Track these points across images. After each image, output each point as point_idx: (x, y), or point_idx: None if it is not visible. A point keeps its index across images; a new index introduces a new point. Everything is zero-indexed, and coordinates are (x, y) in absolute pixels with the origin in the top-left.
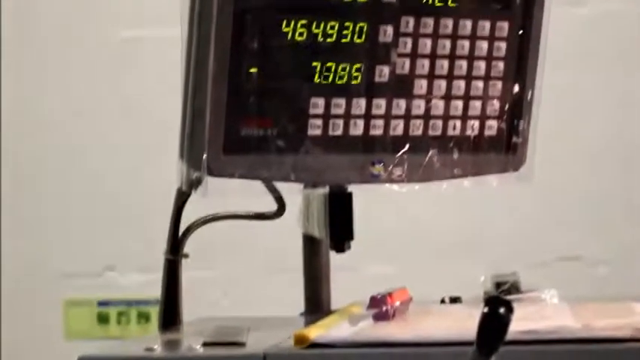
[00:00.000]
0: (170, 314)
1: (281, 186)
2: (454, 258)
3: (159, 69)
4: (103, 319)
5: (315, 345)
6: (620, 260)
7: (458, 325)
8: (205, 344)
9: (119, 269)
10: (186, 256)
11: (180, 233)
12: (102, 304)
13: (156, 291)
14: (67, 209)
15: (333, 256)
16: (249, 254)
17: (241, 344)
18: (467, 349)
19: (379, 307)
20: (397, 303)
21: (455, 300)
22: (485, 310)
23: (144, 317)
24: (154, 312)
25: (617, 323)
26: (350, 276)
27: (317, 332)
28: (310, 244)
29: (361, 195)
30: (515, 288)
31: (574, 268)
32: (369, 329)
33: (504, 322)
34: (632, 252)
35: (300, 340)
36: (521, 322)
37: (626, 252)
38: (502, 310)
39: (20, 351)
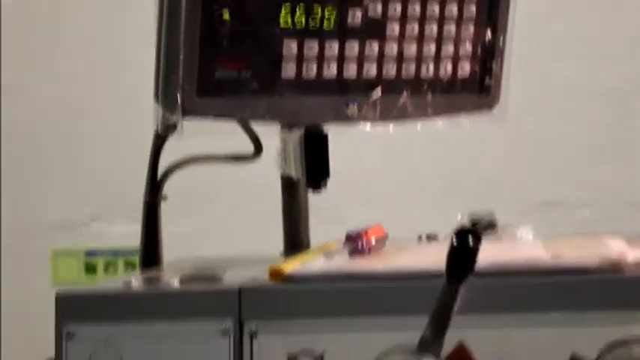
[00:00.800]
0: (150, 256)
1: (259, 129)
2: (435, 203)
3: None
4: (90, 268)
5: (290, 278)
6: (601, 203)
7: (433, 259)
8: (182, 280)
9: (107, 219)
10: (165, 198)
11: (158, 177)
12: (90, 253)
13: None
14: (54, 160)
15: (314, 199)
16: (228, 198)
17: (218, 279)
18: (440, 281)
19: (355, 242)
20: (373, 239)
21: (431, 237)
22: (454, 239)
23: (131, 266)
24: None
25: (586, 253)
26: (330, 218)
27: (292, 266)
28: (288, 185)
29: (339, 138)
30: (491, 225)
31: (555, 212)
32: (344, 263)
33: (472, 251)
34: (614, 194)
35: (275, 274)
36: (493, 255)
37: (607, 194)
38: (470, 239)
39: (8, 301)
